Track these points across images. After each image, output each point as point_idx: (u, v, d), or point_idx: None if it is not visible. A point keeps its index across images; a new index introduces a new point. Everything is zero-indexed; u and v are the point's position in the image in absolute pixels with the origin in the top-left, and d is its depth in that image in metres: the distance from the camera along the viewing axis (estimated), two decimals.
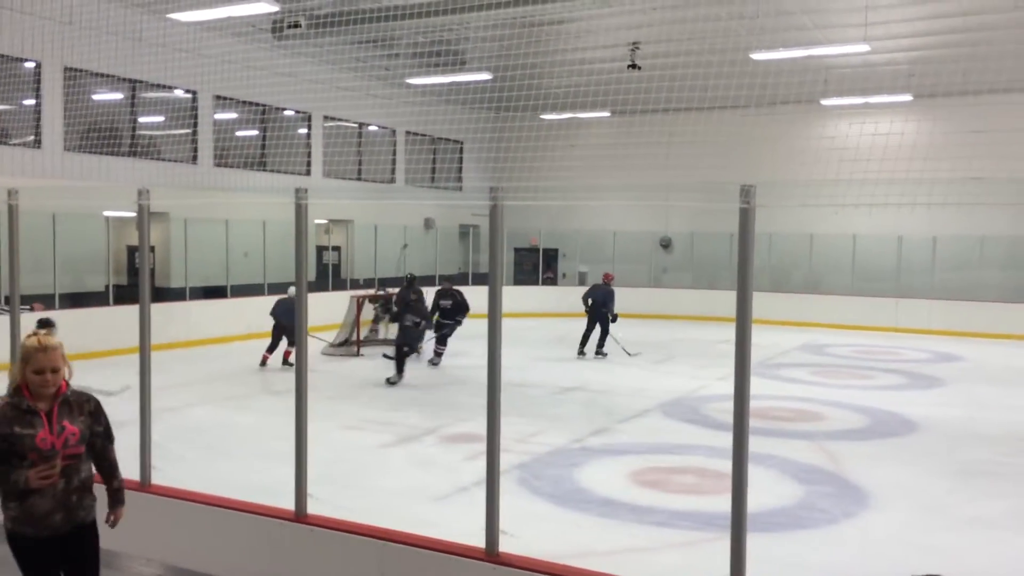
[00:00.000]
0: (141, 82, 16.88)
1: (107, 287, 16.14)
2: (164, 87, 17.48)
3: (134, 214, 5.44)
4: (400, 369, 12.82)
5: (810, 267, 23.58)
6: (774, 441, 9.14)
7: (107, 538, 3.85)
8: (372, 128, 23.66)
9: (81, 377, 3.98)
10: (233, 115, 19.80)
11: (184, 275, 17.54)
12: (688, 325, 21.48)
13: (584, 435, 9.61)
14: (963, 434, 10.09)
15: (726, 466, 3.82)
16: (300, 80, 18.48)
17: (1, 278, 9.75)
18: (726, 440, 3.78)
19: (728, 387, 3.75)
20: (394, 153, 24.34)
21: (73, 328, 13.70)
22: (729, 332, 3.77)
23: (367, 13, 13.58)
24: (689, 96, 10.65)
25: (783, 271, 23.46)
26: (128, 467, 4.43)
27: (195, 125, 18.27)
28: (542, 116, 20.69)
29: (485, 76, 17.80)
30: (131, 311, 5.71)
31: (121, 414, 3.81)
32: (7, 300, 6.31)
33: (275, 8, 13.83)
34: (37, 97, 15.39)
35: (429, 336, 14.38)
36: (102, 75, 16.05)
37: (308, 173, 21.24)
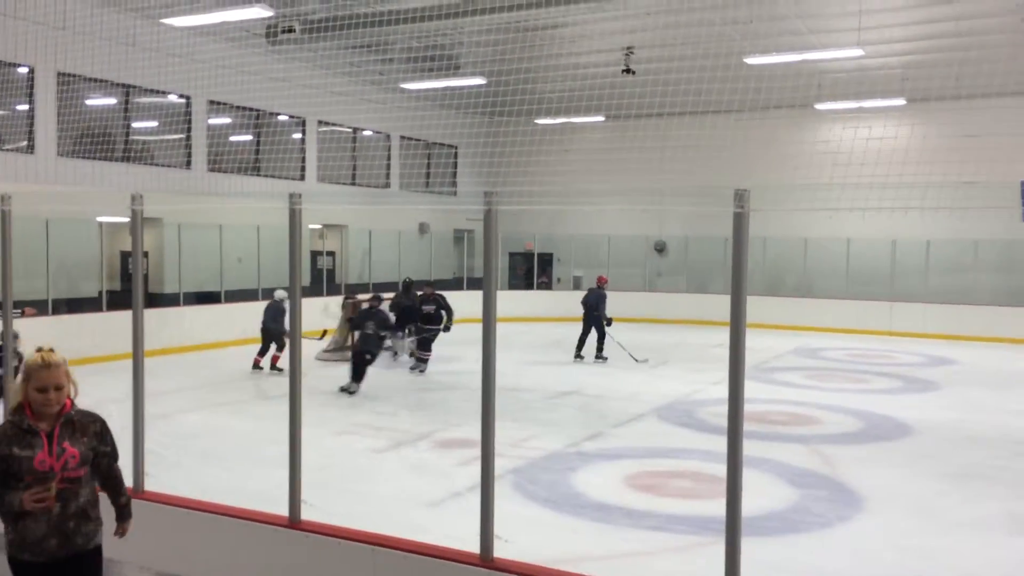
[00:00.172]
0: (135, 87, 16.85)
1: (100, 293, 16.10)
2: (158, 92, 17.46)
3: (127, 219, 5.42)
4: (357, 377, 12.21)
5: (804, 271, 23.62)
6: (768, 445, 9.15)
7: (103, 545, 3.81)
8: (366, 133, 23.66)
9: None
10: (227, 120, 19.79)
11: (178, 280, 17.51)
12: (682, 329, 21.49)
13: (579, 439, 9.61)
14: (957, 437, 10.11)
15: (721, 470, 3.82)
16: (294, 85, 18.49)
17: None
18: (721, 444, 3.78)
19: (722, 391, 3.75)
20: (388, 158, 24.34)
21: (67, 334, 13.72)
22: (723, 336, 3.77)
23: (361, 18, 13.58)
24: (683, 100, 10.68)
25: (777, 274, 23.50)
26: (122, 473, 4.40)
27: (189, 130, 18.27)
28: (537, 121, 20.74)
29: (479, 81, 17.83)
30: (125, 317, 5.69)
31: (114, 420, 3.78)
32: None
33: (269, 13, 13.82)
34: (30, 102, 15.35)
35: (411, 341, 14.28)
36: (96, 80, 16.03)
37: (302, 178, 21.24)
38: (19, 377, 3.53)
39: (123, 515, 3.81)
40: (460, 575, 4.31)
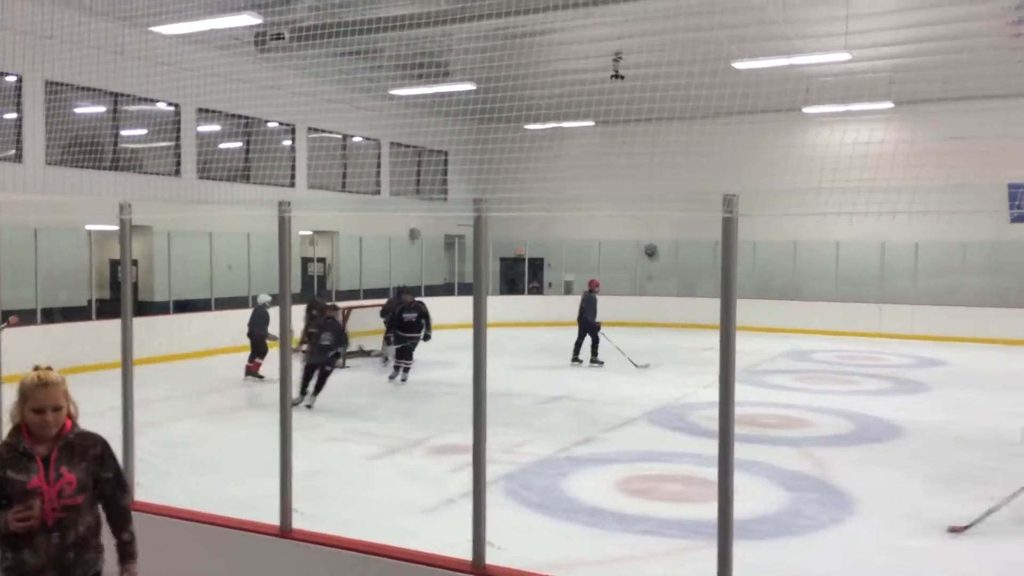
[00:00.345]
0: (123, 95, 16.80)
1: (90, 301, 16.02)
2: (147, 100, 17.41)
3: (116, 228, 5.39)
4: (309, 388, 11.74)
5: (793, 273, 23.70)
6: (760, 448, 9.17)
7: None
8: (356, 139, 23.64)
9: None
10: (216, 127, 19.74)
11: (168, 288, 17.44)
12: (673, 332, 21.53)
13: (570, 444, 9.61)
14: (947, 438, 10.16)
15: (712, 473, 3.82)
16: (284, 92, 18.45)
17: None
18: (712, 447, 3.78)
19: (713, 394, 3.76)
20: (379, 164, 24.33)
21: (56, 343, 13.65)
22: (713, 339, 3.78)
23: (351, 25, 13.57)
24: (672, 106, 10.71)
25: (767, 278, 23.57)
26: None
27: (178, 138, 18.22)
28: (526, 126, 20.73)
29: (469, 87, 17.85)
30: (114, 325, 5.66)
31: (103, 429, 3.74)
32: None
33: (258, 20, 13.81)
34: (18, 111, 15.30)
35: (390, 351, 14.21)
36: (84, 89, 15.98)
37: (292, 185, 21.20)
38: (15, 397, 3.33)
39: (124, 554, 3.45)
40: None
